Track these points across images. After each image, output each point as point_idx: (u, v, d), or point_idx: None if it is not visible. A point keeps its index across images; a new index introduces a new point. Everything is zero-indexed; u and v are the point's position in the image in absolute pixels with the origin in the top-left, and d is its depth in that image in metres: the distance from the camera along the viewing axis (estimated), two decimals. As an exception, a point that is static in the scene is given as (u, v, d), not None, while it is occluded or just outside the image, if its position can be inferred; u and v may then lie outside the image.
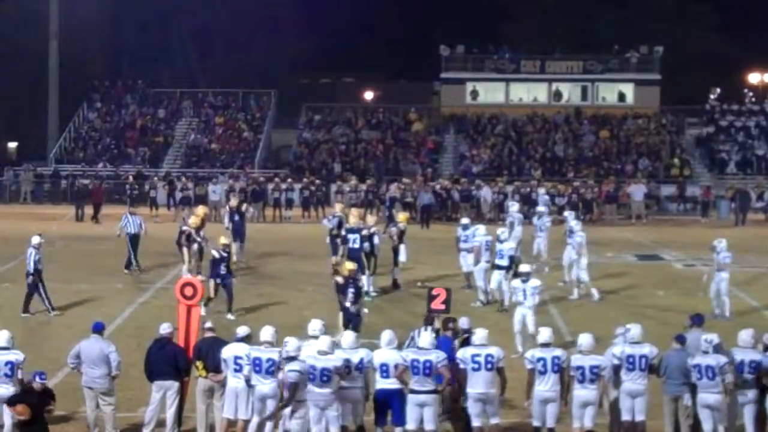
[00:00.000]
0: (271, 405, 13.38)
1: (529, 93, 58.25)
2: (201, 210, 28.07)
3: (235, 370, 13.65)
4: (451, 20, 68.97)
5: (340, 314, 18.69)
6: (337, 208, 28.59)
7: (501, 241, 22.71)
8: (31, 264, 21.81)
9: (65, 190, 49.05)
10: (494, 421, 13.60)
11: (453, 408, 14.01)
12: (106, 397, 14.13)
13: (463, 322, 14.93)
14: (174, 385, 14.09)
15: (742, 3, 66.16)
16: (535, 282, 19.21)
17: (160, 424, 14.12)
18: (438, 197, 42.24)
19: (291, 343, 13.36)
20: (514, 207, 30.96)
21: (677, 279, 27.79)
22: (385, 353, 13.54)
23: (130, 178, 46.33)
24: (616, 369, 13.68)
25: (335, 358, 13.19)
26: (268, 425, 13.46)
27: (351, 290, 18.67)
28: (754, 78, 68.47)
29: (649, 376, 13.72)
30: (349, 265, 19.60)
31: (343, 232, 25.31)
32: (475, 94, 58.12)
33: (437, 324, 14.97)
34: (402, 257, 25.21)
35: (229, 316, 21.21)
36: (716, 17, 68.95)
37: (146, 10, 61.55)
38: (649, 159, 51.37)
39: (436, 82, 62.41)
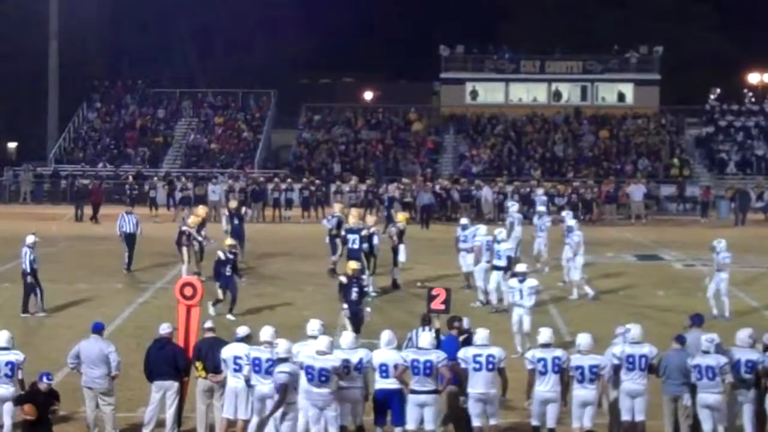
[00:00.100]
0: (270, 405, 13.37)
1: (529, 93, 58.26)
2: (201, 210, 28.10)
3: (235, 370, 13.66)
4: (451, 20, 68.97)
5: (344, 313, 18.68)
6: (336, 208, 28.60)
7: (498, 242, 22.71)
8: (27, 263, 21.79)
9: (65, 190, 49.05)
10: (493, 422, 13.60)
11: (455, 409, 14.01)
12: (106, 397, 14.13)
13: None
14: (174, 385, 14.09)
15: (742, 3, 66.17)
16: (531, 282, 19.20)
17: (160, 424, 14.12)
18: (438, 197, 42.25)
19: (281, 344, 13.36)
20: (513, 207, 30.97)
21: (677, 279, 27.79)
22: (385, 353, 13.54)
23: (130, 178, 46.33)
24: (616, 369, 13.68)
25: (334, 358, 13.19)
26: (269, 425, 13.45)
27: (355, 290, 18.69)
28: (753, 78, 68.47)
29: (648, 376, 13.73)
30: (353, 265, 19.60)
31: (342, 233, 25.33)
32: (474, 94, 58.13)
33: (437, 324, 14.97)
34: (401, 257, 25.21)
35: (229, 317, 21.21)
36: (716, 17, 68.95)
37: (146, 10, 61.54)
38: (649, 159, 51.38)
39: (436, 82, 62.44)
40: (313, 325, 14.03)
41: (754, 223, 42.30)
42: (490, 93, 58.13)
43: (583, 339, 13.72)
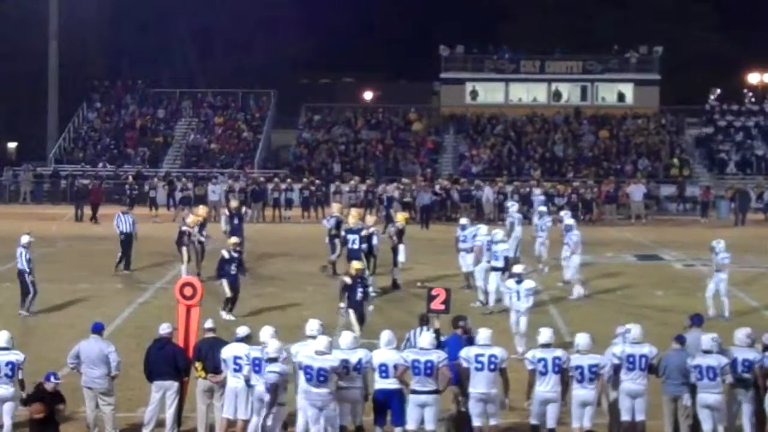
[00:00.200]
0: (284, 408, 13.39)
1: (529, 93, 58.27)
2: (202, 210, 28.14)
3: (235, 370, 13.66)
4: (451, 20, 68.97)
5: (351, 312, 18.68)
6: (335, 208, 28.64)
7: (495, 243, 22.70)
8: (24, 263, 21.77)
9: (65, 190, 49.06)
10: (494, 422, 13.60)
11: (457, 409, 14.03)
12: (106, 398, 14.13)
13: (462, 323, 14.93)
14: (173, 385, 14.10)
15: (742, 3, 66.17)
16: (529, 284, 19.18)
17: (160, 424, 14.12)
18: (438, 197, 42.26)
19: (271, 344, 13.35)
20: (513, 207, 30.98)
21: (677, 279, 27.79)
22: (384, 353, 13.54)
23: (130, 178, 46.34)
24: (617, 369, 13.68)
25: (332, 358, 13.19)
26: (269, 424, 13.46)
27: (360, 290, 18.70)
28: (753, 78, 68.45)
29: (648, 376, 13.73)
30: (357, 265, 19.61)
31: (342, 233, 25.34)
32: (474, 94, 58.14)
33: (436, 324, 14.97)
34: (401, 257, 25.22)
35: (229, 317, 21.18)
36: (716, 17, 68.95)
37: (146, 11, 61.54)
38: (649, 159, 51.39)
39: (436, 82, 62.44)
40: (312, 325, 14.03)
41: (754, 223, 42.31)
42: (490, 93, 58.14)
43: (582, 339, 13.73)
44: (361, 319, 18.55)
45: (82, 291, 24.58)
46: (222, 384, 13.89)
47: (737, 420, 13.78)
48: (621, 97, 57.87)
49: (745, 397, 13.71)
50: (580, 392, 13.51)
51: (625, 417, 13.67)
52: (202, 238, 26.04)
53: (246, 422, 13.62)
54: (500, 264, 22.31)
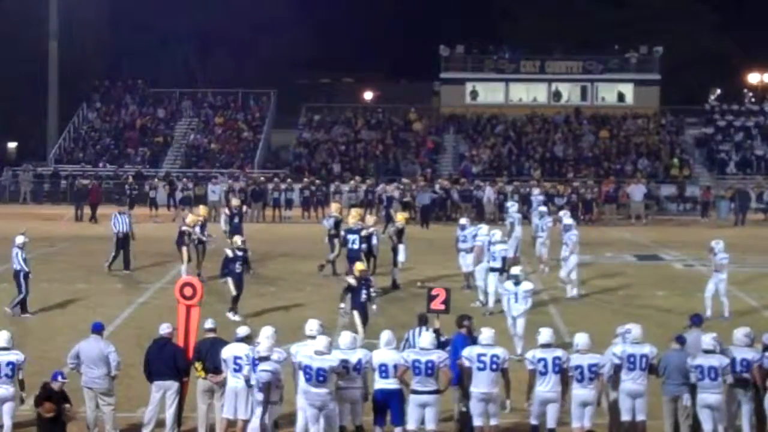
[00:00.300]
0: (277, 407, 13.38)
1: (529, 93, 58.28)
2: (202, 210, 28.16)
3: (235, 370, 13.65)
4: (451, 20, 68.98)
5: (355, 314, 18.68)
6: (333, 208, 28.66)
7: (493, 243, 22.69)
8: (21, 263, 21.73)
9: (65, 190, 49.06)
10: (494, 422, 13.59)
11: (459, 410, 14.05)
12: (106, 398, 14.13)
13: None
14: (173, 385, 14.10)
15: (742, 3, 66.18)
16: (527, 285, 19.11)
17: (160, 424, 14.12)
18: (438, 197, 42.26)
19: (262, 344, 13.34)
20: (513, 207, 30.98)
21: (677, 279, 27.79)
22: (384, 353, 13.54)
23: (130, 178, 46.34)
24: (617, 369, 13.68)
25: (332, 358, 13.18)
26: (269, 424, 13.46)
27: (364, 292, 18.72)
28: (754, 78, 68.44)
29: (649, 376, 13.73)
30: (360, 266, 19.60)
31: (342, 233, 25.34)
32: (474, 94, 58.15)
33: (436, 324, 14.97)
34: (401, 257, 25.22)
35: (236, 317, 21.16)
36: (716, 17, 68.93)
37: (146, 11, 61.52)
38: (649, 159, 51.39)
39: (436, 82, 62.44)
40: (312, 325, 14.02)
41: (754, 223, 42.32)
42: (490, 93, 58.16)
43: (581, 338, 13.73)
44: (364, 321, 18.54)
45: (82, 291, 24.58)
46: (222, 384, 13.89)
47: (737, 420, 13.79)
48: (621, 97, 57.88)
49: (744, 397, 13.72)
50: (580, 392, 13.51)
51: (625, 417, 13.68)
52: (204, 238, 26.05)
53: (246, 422, 13.61)
54: (498, 264, 22.31)
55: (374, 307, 19.12)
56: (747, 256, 30.28)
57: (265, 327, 13.95)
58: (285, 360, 13.55)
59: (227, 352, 13.78)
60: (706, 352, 13.63)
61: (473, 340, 14.11)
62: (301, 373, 13.22)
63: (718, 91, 67.65)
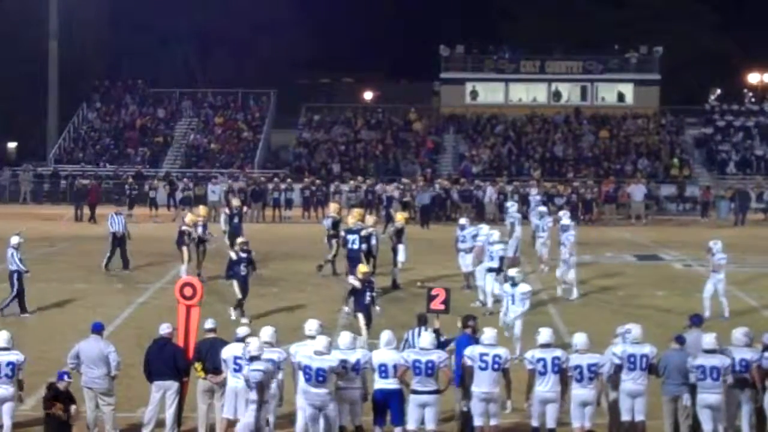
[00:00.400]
0: (271, 406, 13.36)
1: (529, 93, 58.28)
2: (202, 210, 28.16)
3: (235, 371, 13.64)
4: (451, 20, 68.97)
5: (360, 316, 18.66)
6: (332, 208, 28.66)
7: (491, 243, 22.69)
8: (18, 263, 21.72)
9: (65, 190, 49.06)
10: (494, 422, 13.60)
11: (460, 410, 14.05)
12: (106, 398, 14.13)
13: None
14: (173, 386, 14.10)
15: (742, 3, 66.17)
16: (524, 287, 19.04)
17: (160, 424, 14.12)
18: (438, 197, 42.26)
19: (253, 343, 13.33)
20: (513, 207, 30.97)
21: (676, 279, 27.79)
22: (384, 353, 13.55)
23: (130, 178, 46.34)
24: (617, 369, 13.68)
25: (331, 358, 13.18)
26: (269, 425, 13.46)
27: (368, 294, 18.71)
28: (753, 78, 68.45)
29: (649, 376, 13.73)
30: (363, 269, 19.58)
31: (341, 233, 25.34)
32: (474, 94, 58.16)
33: (436, 324, 14.97)
34: (401, 257, 25.22)
35: (232, 315, 21.18)
36: (716, 17, 68.94)
37: (146, 11, 61.53)
38: (649, 159, 51.39)
39: (436, 82, 62.46)
40: (311, 325, 14.02)
41: (754, 223, 42.32)
42: (490, 93, 58.16)
43: (580, 338, 13.73)
44: (368, 323, 18.53)
45: (81, 291, 24.58)
46: (222, 384, 13.89)
47: (737, 420, 13.79)
48: (621, 97, 57.88)
49: (743, 397, 13.72)
50: (580, 392, 13.51)
51: (625, 417, 13.68)
52: (206, 237, 26.07)
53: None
54: (495, 264, 22.30)
55: (378, 308, 19.13)
56: (747, 256, 30.30)
57: (265, 327, 13.96)
58: (285, 360, 13.56)
59: (227, 353, 13.77)
60: (708, 352, 13.63)
61: (477, 341, 14.11)
62: (300, 373, 13.22)
63: (718, 91, 67.64)
